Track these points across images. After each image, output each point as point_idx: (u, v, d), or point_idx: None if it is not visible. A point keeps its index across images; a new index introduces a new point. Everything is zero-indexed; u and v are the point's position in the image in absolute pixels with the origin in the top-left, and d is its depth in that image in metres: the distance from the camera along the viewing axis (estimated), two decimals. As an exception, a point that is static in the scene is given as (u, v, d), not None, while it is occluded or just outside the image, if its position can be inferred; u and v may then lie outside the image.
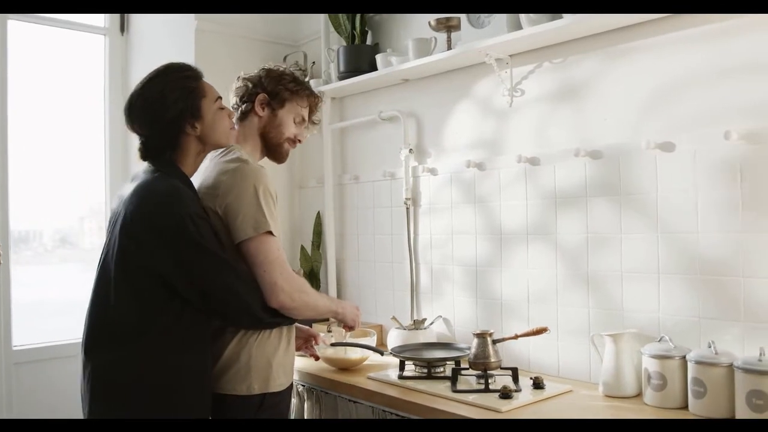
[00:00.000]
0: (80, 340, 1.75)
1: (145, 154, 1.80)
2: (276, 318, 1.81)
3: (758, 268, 1.84)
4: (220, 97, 1.87)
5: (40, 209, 3.34)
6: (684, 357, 1.89)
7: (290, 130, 2.07)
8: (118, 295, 1.68)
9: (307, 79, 3.17)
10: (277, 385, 1.89)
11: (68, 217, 3.46)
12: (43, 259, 3.42)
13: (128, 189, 1.78)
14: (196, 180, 1.88)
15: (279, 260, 1.79)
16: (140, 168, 1.83)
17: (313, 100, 2.15)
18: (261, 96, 2.03)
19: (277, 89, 2.04)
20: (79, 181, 3.44)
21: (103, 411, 1.68)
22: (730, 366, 1.78)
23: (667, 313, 2.03)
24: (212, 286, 1.69)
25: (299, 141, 2.12)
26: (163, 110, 1.75)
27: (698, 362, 1.83)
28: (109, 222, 1.81)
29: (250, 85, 2.05)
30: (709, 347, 1.85)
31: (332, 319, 2.22)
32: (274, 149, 2.08)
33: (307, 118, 2.13)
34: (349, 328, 2.15)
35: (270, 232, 1.79)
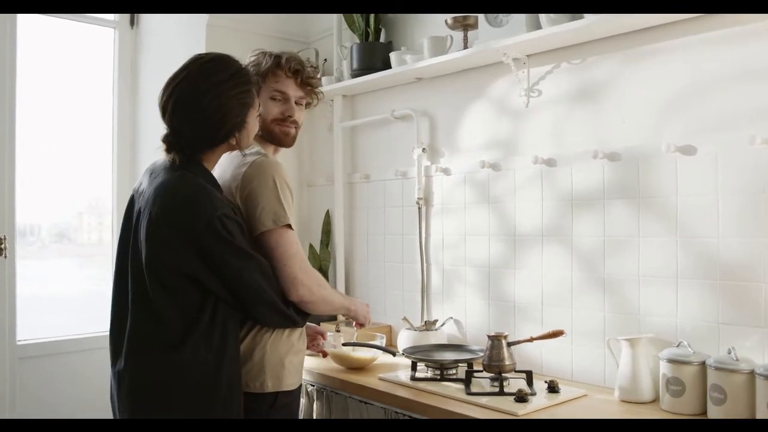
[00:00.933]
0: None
1: (172, 148, 1.70)
2: (296, 315, 1.80)
3: (780, 274, 1.82)
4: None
5: (39, 203, 3.29)
6: (703, 363, 1.87)
7: (272, 111, 1.97)
8: (156, 299, 1.64)
9: (319, 76, 3.16)
10: (289, 384, 1.88)
11: (67, 212, 3.43)
12: (41, 254, 3.38)
13: (147, 185, 1.73)
14: (214, 173, 1.85)
15: (299, 254, 1.80)
16: (158, 161, 1.78)
17: (282, 68, 1.97)
18: None
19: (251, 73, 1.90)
20: (79, 176, 3.39)
21: (148, 414, 1.65)
22: (752, 373, 1.75)
23: (686, 318, 2.01)
24: (241, 284, 1.67)
25: (290, 118, 1.99)
26: (219, 123, 1.69)
27: (718, 368, 1.81)
28: (126, 218, 1.77)
29: None
30: (729, 353, 1.82)
31: (341, 318, 2.21)
32: (269, 137, 1.99)
33: (288, 90, 1.98)
34: (360, 325, 2.13)
35: (289, 225, 1.79)
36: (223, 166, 1.89)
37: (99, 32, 3.40)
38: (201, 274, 1.64)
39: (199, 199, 1.64)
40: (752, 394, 1.74)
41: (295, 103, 2.01)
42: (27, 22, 3.12)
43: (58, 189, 3.33)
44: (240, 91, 1.73)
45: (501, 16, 2.36)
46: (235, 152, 1.86)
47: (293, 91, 2.00)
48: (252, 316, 1.78)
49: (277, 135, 2.00)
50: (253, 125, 1.81)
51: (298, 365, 1.93)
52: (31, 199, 3.22)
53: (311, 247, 3.24)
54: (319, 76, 3.14)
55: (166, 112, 1.71)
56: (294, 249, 1.78)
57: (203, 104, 1.67)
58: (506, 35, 2.31)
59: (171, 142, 1.70)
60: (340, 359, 2.44)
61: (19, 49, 3.06)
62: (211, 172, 1.79)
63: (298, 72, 2.00)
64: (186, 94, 1.69)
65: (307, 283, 1.78)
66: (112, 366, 1.74)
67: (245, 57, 1.95)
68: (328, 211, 3.25)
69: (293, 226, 1.82)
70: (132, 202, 1.78)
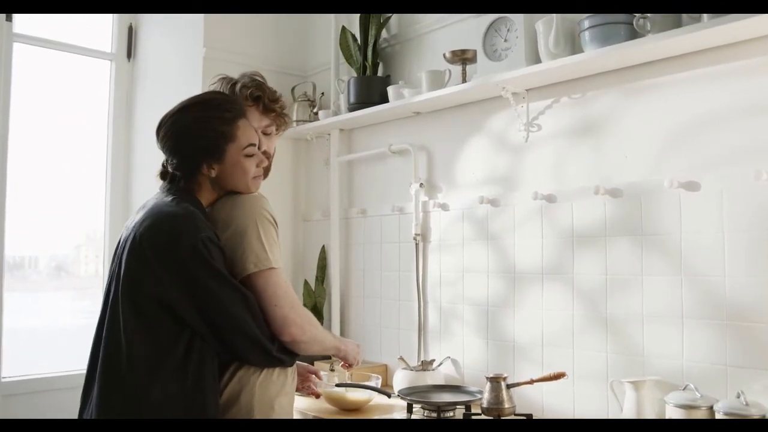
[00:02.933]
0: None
1: (164, 175, 1.75)
2: (283, 354, 1.71)
3: (790, 315, 1.75)
4: (253, 144, 1.75)
5: (36, 235, 3.24)
6: (711, 407, 1.79)
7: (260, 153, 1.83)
8: (127, 326, 1.57)
9: (315, 110, 3.13)
10: None
11: (65, 245, 3.37)
12: (37, 286, 3.32)
13: (138, 216, 1.69)
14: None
15: (289, 293, 1.71)
16: (149, 198, 1.76)
17: (265, 97, 1.87)
18: None
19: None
20: (76, 208, 3.35)
21: None
22: (763, 417, 1.68)
23: (692, 360, 1.93)
24: (221, 313, 1.59)
25: (267, 154, 1.88)
26: (185, 145, 1.70)
27: (727, 413, 1.73)
28: (117, 248, 1.72)
29: None
30: (738, 397, 1.75)
31: (334, 358, 2.12)
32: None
33: (266, 128, 1.89)
34: (348, 366, 2.02)
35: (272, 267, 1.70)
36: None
37: (96, 64, 3.38)
38: (178, 302, 1.56)
39: (183, 220, 1.59)
40: (763, 441, 1.66)
41: (263, 133, 1.87)
42: (23, 53, 3.10)
43: (55, 221, 3.28)
44: (215, 115, 1.70)
45: (500, 49, 2.34)
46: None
47: (256, 122, 1.85)
48: (233, 351, 1.65)
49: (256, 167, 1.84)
50: (239, 164, 1.72)
51: (288, 407, 1.83)
52: (29, 231, 3.18)
53: (306, 283, 3.17)
54: (315, 110, 3.13)
55: (157, 141, 1.76)
56: (283, 289, 1.70)
57: (176, 127, 1.71)
58: (505, 69, 2.28)
59: (162, 170, 1.75)
60: (333, 401, 2.35)
61: (14, 80, 3.04)
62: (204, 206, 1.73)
63: (258, 99, 1.87)
64: (167, 121, 1.73)
65: (299, 322, 1.70)
66: (83, 398, 1.67)
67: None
68: (323, 246, 3.19)
69: (280, 263, 1.72)
70: (121, 237, 1.73)
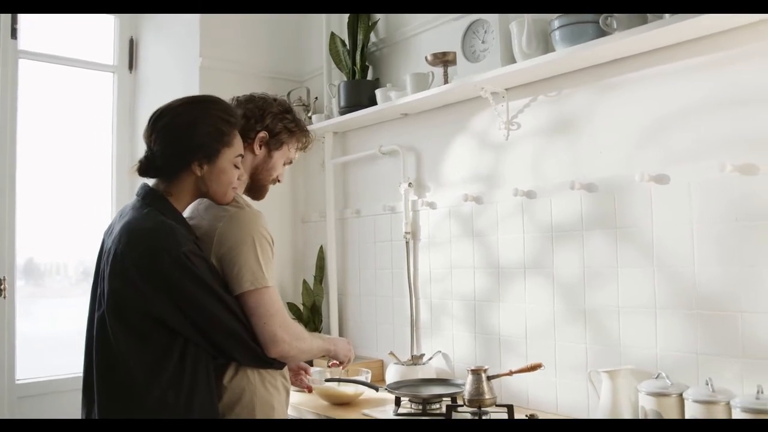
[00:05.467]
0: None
1: (145, 170, 1.72)
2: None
3: (757, 303, 1.79)
4: (242, 156, 1.80)
5: (65, 242, 3.40)
6: (681, 395, 1.84)
7: (279, 171, 1.99)
8: (119, 343, 1.60)
9: (309, 114, 3.21)
10: None
11: (91, 250, 3.48)
12: (67, 291, 3.47)
13: (117, 225, 1.72)
14: (191, 221, 1.82)
15: (279, 312, 1.74)
16: (128, 203, 1.78)
17: (306, 142, 2.04)
18: (262, 134, 1.92)
19: (277, 129, 1.94)
20: (89, 216, 3.47)
21: None
22: (728, 404, 1.73)
23: (665, 349, 1.98)
24: (211, 322, 1.63)
25: (279, 181, 2.02)
26: (186, 137, 1.69)
27: (696, 400, 1.78)
28: (98, 260, 1.75)
29: (252, 120, 1.92)
30: (707, 384, 1.79)
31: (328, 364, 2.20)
32: (258, 189, 1.99)
33: (293, 159, 2.04)
34: (340, 363, 2.06)
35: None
36: (198, 216, 1.82)
37: (99, 77, 3.50)
38: (168, 314, 1.60)
39: (162, 236, 1.61)
40: (729, 426, 1.71)
41: (286, 162, 2.03)
42: (28, 69, 3.23)
43: (81, 227, 3.40)
44: (220, 116, 1.73)
45: (478, 50, 2.40)
46: (212, 204, 1.81)
47: (290, 153, 2.02)
48: (227, 354, 1.71)
49: (264, 191, 2.00)
50: (226, 172, 1.75)
51: (284, 404, 1.90)
52: (58, 238, 3.36)
53: (305, 283, 3.26)
54: (310, 114, 3.21)
55: (148, 132, 1.72)
56: (275, 308, 1.73)
57: (180, 119, 1.70)
58: (483, 70, 2.34)
59: (143, 163, 1.72)
60: (324, 395, 2.44)
61: (20, 95, 3.16)
62: (182, 214, 1.76)
63: (306, 148, 2.05)
64: (169, 112, 1.72)
65: (287, 339, 1.73)
66: (86, 407, 1.70)
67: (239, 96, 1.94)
68: (321, 246, 3.28)
69: (274, 280, 1.77)
70: (103, 244, 1.76)
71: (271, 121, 1.93)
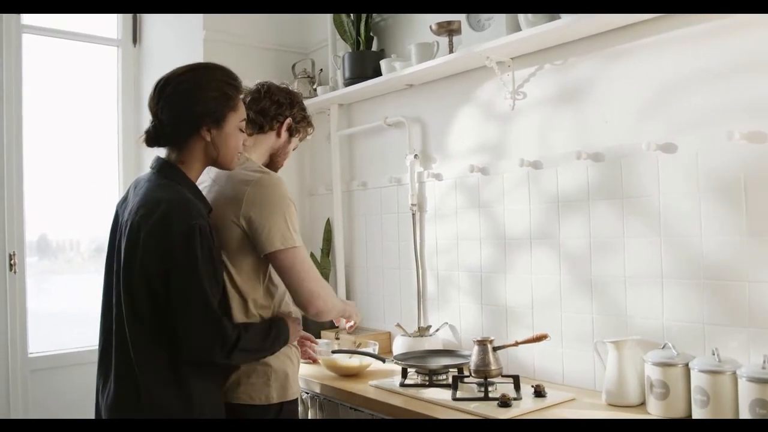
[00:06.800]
0: (94, 347, 1.74)
1: (153, 140, 1.74)
2: (226, 359, 1.70)
3: (764, 272, 1.77)
4: (245, 120, 1.83)
5: (75, 218, 3.43)
6: (687, 365, 1.84)
7: (289, 155, 2.17)
8: (127, 313, 1.63)
9: (314, 86, 3.20)
10: (293, 393, 1.94)
11: (102, 227, 3.50)
12: (80, 268, 3.53)
13: (132, 197, 1.73)
14: (212, 188, 1.90)
15: (312, 269, 1.86)
16: (142, 175, 1.80)
17: (310, 133, 2.23)
18: (289, 121, 2.09)
19: (298, 117, 2.12)
20: (96, 191, 3.48)
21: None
22: (734, 374, 1.72)
23: (671, 319, 1.97)
24: (184, 303, 1.62)
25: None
26: (194, 103, 1.70)
27: (701, 370, 1.77)
28: (111, 233, 1.77)
29: (282, 106, 2.08)
30: (713, 354, 1.79)
31: (339, 326, 2.27)
32: (273, 169, 2.10)
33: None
34: (353, 325, 2.23)
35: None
36: (222, 181, 1.90)
37: (103, 51, 3.48)
38: (157, 283, 1.61)
39: (177, 206, 1.63)
40: (735, 395, 1.71)
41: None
42: (32, 43, 3.21)
43: (92, 204, 3.42)
44: (224, 80, 1.75)
45: (483, 19, 2.36)
46: (235, 170, 1.86)
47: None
48: (173, 342, 1.63)
49: (281, 164, 2.16)
50: (233, 135, 1.77)
51: (296, 374, 1.99)
52: (70, 215, 3.39)
53: (312, 256, 3.26)
54: (315, 86, 3.19)
55: (154, 101, 1.73)
56: (308, 265, 1.85)
57: (184, 85, 1.71)
58: (488, 39, 2.31)
59: (150, 133, 1.73)
60: (331, 367, 2.45)
61: (25, 70, 3.15)
62: (195, 183, 1.77)
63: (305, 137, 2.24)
64: (173, 80, 1.72)
65: (323, 295, 1.86)
66: (101, 390, 1.72)
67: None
68: (328, 219, 3.27)
69: (301, 242, 1.86)
70: (117, 217, 1.78)
71: (297, 112, 2.11)
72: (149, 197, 1.67)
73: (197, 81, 1.72)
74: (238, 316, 1.81)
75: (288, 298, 1.93)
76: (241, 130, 1.81)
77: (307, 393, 2.45)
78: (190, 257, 1.61)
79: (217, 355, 1.65)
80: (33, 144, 3.19)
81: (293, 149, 2.18)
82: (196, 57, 3.15)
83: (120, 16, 3.48)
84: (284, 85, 2.15)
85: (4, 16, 3.08)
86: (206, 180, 1.94)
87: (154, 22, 3.48)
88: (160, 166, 1.75)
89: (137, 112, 3.48)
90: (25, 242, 3.15)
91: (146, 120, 1.78)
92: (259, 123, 2.05)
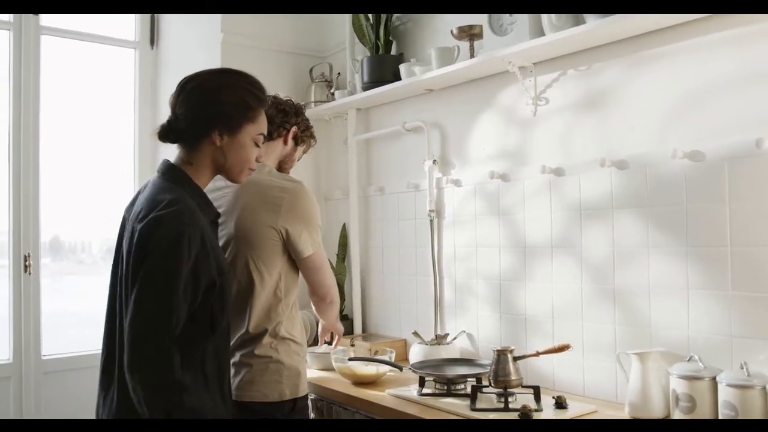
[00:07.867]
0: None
1: (165, 134, 1.69)
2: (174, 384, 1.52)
3: (794, 285, 1.73)
4: (263, 135, 1.78)
5: (88, 220, 3.44)
6: (714, 378, 1.79)
7: (294, 164, 2.26)
8: (122, 313, 1.58)
9: (332, 90, 3.19)
10: (304, 389, 2.02)
11: (113, 228, 3.49)
12: (92, 269, 3.54)
13: (137, 202, 1.69)
14: (238, 194, 1.97)
15: (329, 266, 2.13)
16: (150, 179, 1.77)
17: (313, 145, 2.32)
18: (295, 129, 2.18)
19: (303, 127, 2.22)
20: (112, 192, 3.47)
21: None
22: (764, 389, 1.68)
23: (697, 331, 1.93)
24: (134, 313, 1.49)
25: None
26: (211, 102, 1.66)
27: (730, 384, 1.73)
28: (119, 237, 1.72)
29: (288, 115, 2.16)
30: (742, 368, 1.74)
31: (356, 334, 2.29)
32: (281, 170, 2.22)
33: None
34: (336, 343, 2.41)
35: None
36: (255, 187, 1.96)
37: (120, 53, 3.48)
38: (128, 280, 1.54)
39: (170, 212, 1.55)
40: (765, 410, 1.66)
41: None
42: (50, 45, 3.21)
43: (105, 205, 3.40)
44: (249, 89, 1.71)
45: (505, 24, 2.33)
46: (265, 175, 1.98)
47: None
48: (120, 352, 1.54)
49: (287, 172, 2.23)
50: (247, 148, 1.72)
51: (305, 371, 2.06)
52: (83, 216, 3.41)
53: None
54: (332, 90, 3.18)
55: (175, 95, 1.69)
56: (327, 263, 2.11)
57: (207, 84, 1.69)
58: (510, 44, 2.27)
59: (164, 128, 1.68)
60: (347, 374, 2.42)
61: (43, 71, 3.15)
62: (202, 188, 1.72)
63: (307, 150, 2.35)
64: (199, 78, 1.70)
65: (335, 289, 2.15)
66: (102, 402, 1.66)
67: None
68: (344, 224, 3.25)
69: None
70: (123, 221, 1.73)
71: (302, 121, 2.21)
72: (149, 201, 1.62)
73: (221, 83, 1.70)
74: (266, 309, 1.94)
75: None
76: (256, 145, 1.76)
77: (323, 400, 2.41)
78: (165, 267, 1.51)
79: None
80: (48, 145, 3.19)
81: (297, 160, 2.26)
82: (214, 59, 3.14)
83: (138, 18, 3.48)
84: (287, 98, 2.22)
85: (23, 17, 3.08)
86: (224, 185, 1.98)
87: (171, 24, 3.47)
88: (165, 169, 1.70)
89: (154, 114, 3.48)
90: (40, 244, 3.14)
91: (163, 118, 1.75)
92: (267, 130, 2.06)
